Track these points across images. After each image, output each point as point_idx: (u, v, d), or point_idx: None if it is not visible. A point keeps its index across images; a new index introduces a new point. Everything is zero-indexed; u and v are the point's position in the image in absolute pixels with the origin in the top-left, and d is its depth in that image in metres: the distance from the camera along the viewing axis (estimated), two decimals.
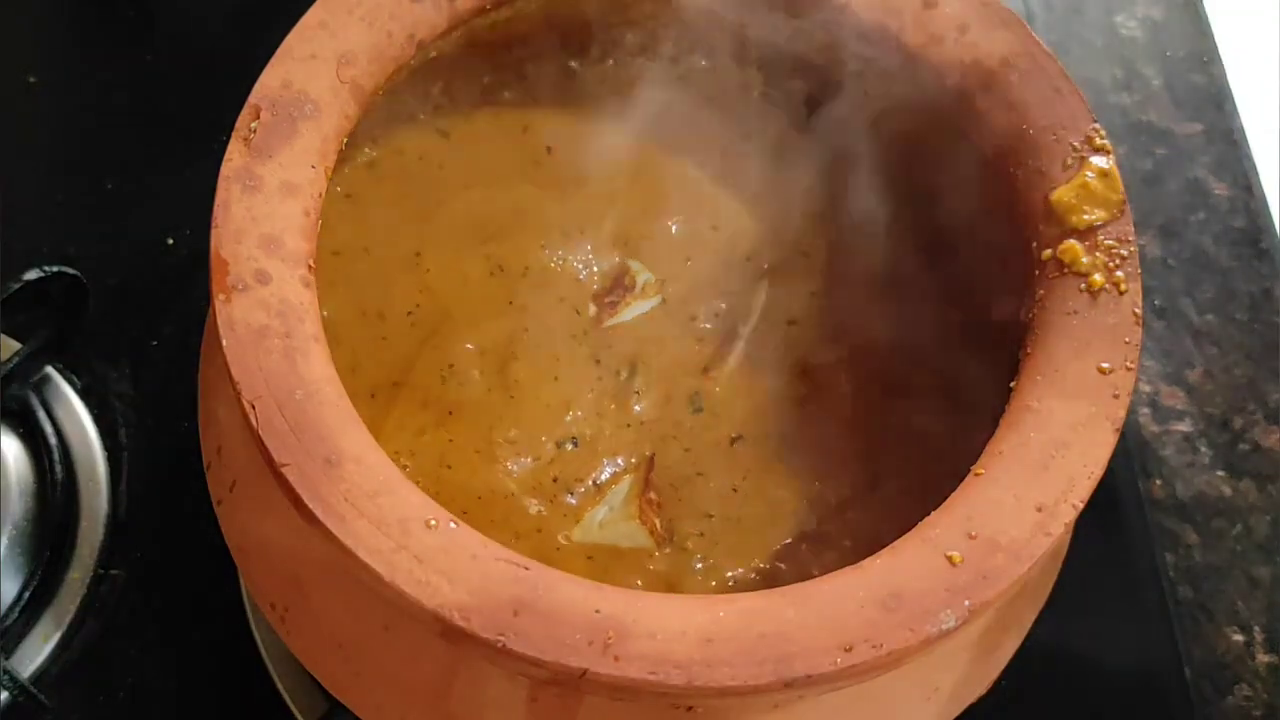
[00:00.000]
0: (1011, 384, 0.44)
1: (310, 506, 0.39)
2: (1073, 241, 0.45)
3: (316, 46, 0.46)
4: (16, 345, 0.62)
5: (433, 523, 0.39)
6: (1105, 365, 0.43)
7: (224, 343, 0.41)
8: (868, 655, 0.38)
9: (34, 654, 0.57)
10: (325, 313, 0.48)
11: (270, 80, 0.45)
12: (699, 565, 0.48)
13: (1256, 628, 0.63)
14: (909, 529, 0.41)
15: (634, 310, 0.53)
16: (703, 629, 0.38)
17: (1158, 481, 0.67)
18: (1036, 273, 0.45)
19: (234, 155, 0.44)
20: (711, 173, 0.55)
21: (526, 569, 0.39)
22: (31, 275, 0.62)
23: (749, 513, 0.49)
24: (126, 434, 0.63)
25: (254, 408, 0.40)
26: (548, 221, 0.54)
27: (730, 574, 0.48)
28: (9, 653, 0.57)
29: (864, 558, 0.40)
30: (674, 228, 0.54)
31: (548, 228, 0.54)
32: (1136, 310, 0.44)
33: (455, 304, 0.52)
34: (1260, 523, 0.66)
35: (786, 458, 0.51)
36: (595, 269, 0.53)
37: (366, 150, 0.53)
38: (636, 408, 0.51)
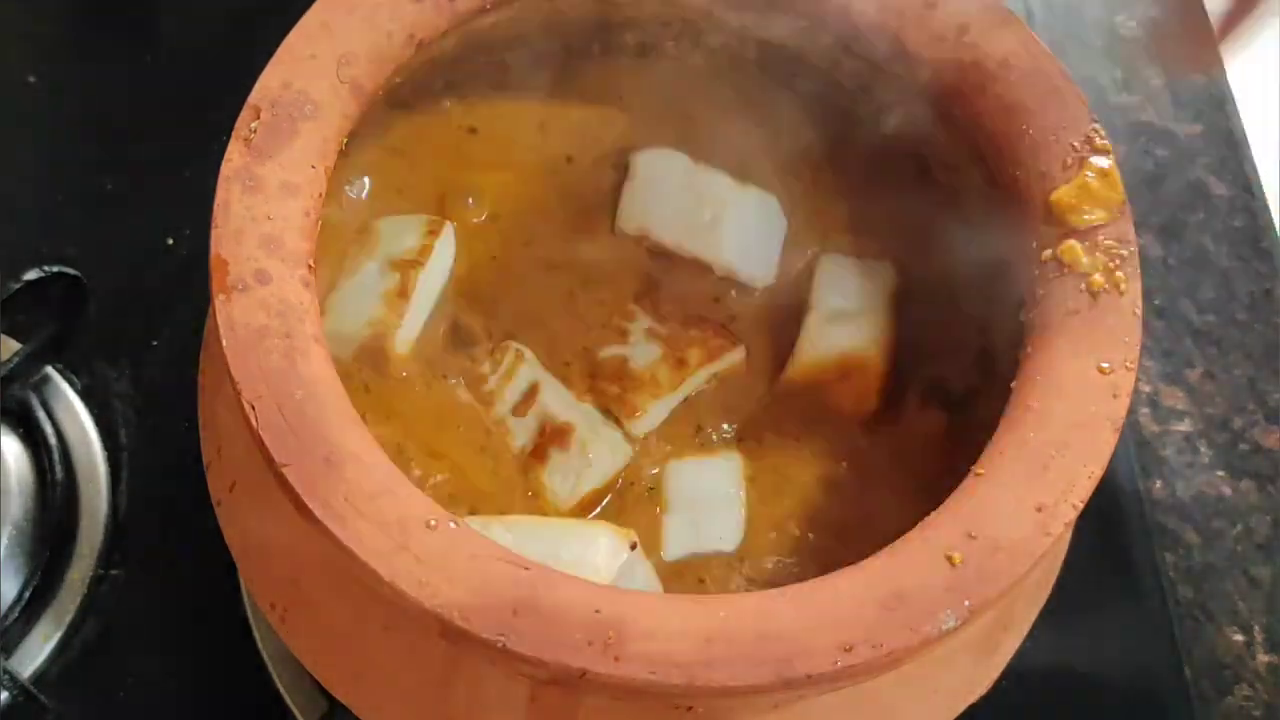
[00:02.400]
0: (1011, 384, 0.44)
1: (310, 506, 0.39)
2: (1073, 241, 0.45)
3: (316, 46, 0.46)
4: (16, 345, 0.62)
5: (433, 523, 0.39)
6: (1105, 365, 0.43)
7: (224, 343, 0.41)
8: (868, 655, 0.38)
9: (34, 654, 0.58)
10: None
11: (270, 80, 0.45)
12: None
13: (1256, 628, 0.63)
14: (906, 529, 0.41)
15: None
16: (703, 629, 0.38)
17: (1158, 482, 0.67)
18: (1036, 273, 0.45)
19: (234, 155, 0.44)
20: (710, 170, 0.55)
21: (526, 569, 0.39)
22: (31, 275, 0.62)
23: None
24: (126, 434, 0.63)
25: (254, 408, 0.40)
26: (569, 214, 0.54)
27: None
28: (9, 653, 0.57)
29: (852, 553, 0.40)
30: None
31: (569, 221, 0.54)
32: (1136, 310, 0.44)
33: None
34: (1260, 523, 0.66)
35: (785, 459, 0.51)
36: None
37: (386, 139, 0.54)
38: None
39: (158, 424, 0.63)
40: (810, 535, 0.49)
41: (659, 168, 0.53)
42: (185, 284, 0.66)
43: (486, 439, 0.50)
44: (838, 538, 0.49)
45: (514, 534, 0.46)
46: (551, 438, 0.49)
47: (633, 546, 0.46)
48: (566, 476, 0.49)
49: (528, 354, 0.51)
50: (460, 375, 0.51)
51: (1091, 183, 0.46)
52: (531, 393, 0.50)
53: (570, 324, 0.52)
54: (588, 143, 0.55)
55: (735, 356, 0.52)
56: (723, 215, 0.52)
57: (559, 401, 0.50)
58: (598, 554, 0.45)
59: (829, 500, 0.50)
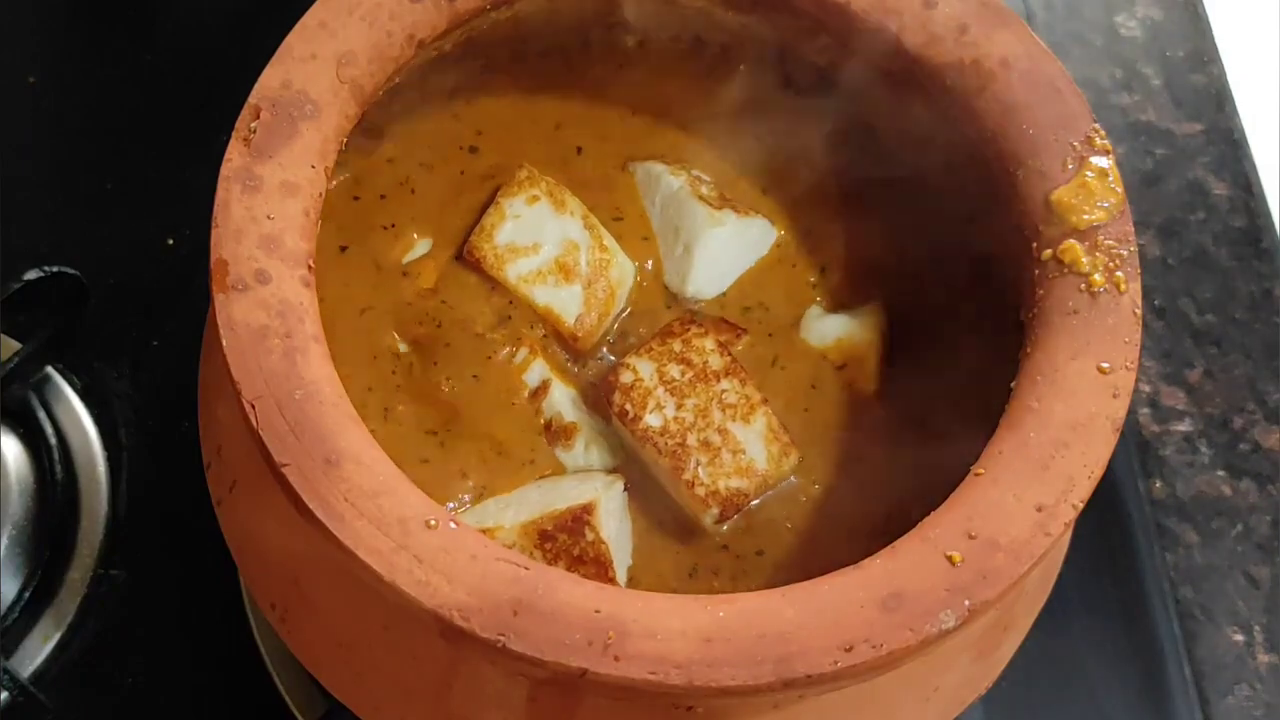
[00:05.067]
0: (1011, 384, 0.44)
1: (310, 506, 0.39)
2: (1073, 241, 0.45)
3: (316, 46, 0.46)
4: (16, 345, 0.62)
5: (433, 523, 0.39)
6: (1105, 365, 0.43)
7: (224, 343, 0.41)
8: (868, 655, 0.38)
9: (34, 654, 0.58)
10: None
11: (270, 80, 0.45)
12: None
13: (1256, 628, 0.63)
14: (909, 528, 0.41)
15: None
16: (703, 629, 0.38)
17: (1158, 482, 0.67)
18: (1036, 273, 0.45)
19: (234, 155, 0.44)
20: (692, 200, 0.55)
21: (526, 569, 0.39)
22: (31, 275, 0.62)
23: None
24: (126, 434, 0.63)
25: (254, 408, 0.40)
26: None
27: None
28: (9, 653, 0.57)
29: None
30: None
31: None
32: (1136, 310, 0.44)
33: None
34: (1260, 523, 0.66)
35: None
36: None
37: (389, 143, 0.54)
38: None
39: (158, 424, 0.63)
40: None
41: (649, 186, 0.54)
42: (185, 284, 0.66)
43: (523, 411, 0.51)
44: None
45: (514, 494, 0.48)
46: (558, 434, 0.50)
47: (625, 488, 0.49)
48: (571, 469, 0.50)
49: (540, 351, 0.51)
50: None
51: (1091, 182, 0.46)
52: (543, 388, 0.50)
53: None
54: (596, 138, 0.55)
55: (741, 345, 0.52)
56: (694, 249, 0.53)
57: (566, 402, 0.51)
58: (595, 481, 0.48)
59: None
